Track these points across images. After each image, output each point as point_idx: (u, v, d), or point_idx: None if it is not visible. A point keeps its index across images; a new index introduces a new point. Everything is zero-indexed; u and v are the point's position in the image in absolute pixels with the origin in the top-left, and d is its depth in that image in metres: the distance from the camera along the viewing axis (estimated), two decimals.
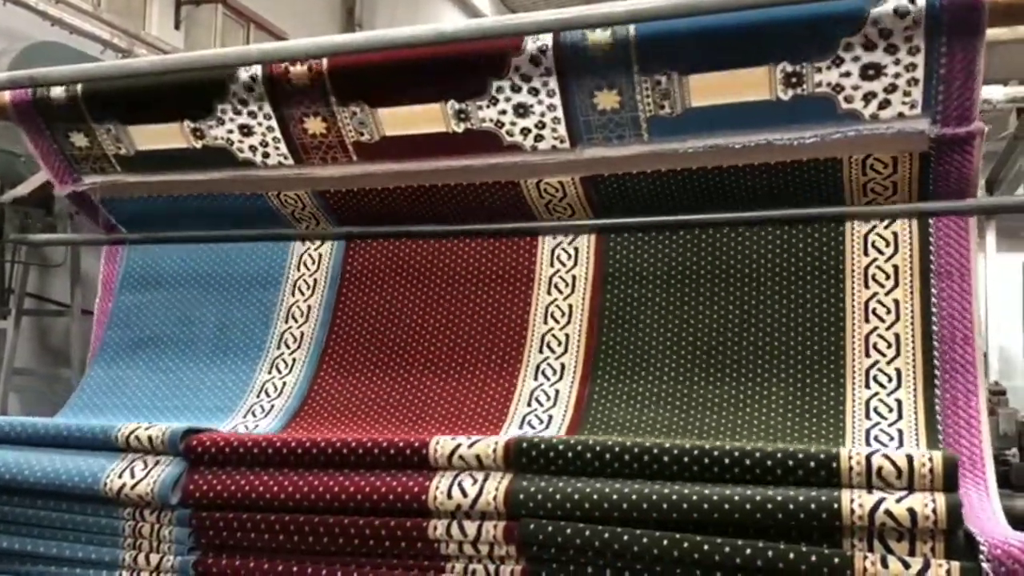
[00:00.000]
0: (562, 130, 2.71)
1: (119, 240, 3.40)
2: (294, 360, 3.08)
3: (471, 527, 2.19)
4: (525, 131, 2.74)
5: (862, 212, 2.68)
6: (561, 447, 2.18)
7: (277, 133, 2.93)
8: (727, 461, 2.06)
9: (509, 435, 2.40)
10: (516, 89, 2.67)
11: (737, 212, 2.78)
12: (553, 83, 2.64)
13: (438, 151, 2.85)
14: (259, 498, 2.34)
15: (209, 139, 3.00)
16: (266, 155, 2.99)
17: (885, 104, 2.45)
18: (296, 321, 3.14)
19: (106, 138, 3.10)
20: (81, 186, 3.27)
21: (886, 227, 2.65)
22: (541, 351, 2.87)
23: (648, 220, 2.86)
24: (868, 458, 1.97)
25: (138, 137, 3.09)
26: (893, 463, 1.95)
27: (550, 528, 2.11)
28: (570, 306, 2.89)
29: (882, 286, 2.61)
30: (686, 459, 2.08)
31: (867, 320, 2.59)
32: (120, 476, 2.45)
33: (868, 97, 2.45)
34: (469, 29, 2.59)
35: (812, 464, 2.00)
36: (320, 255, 3.19)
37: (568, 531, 2.09)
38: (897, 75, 2.41)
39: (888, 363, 2.54)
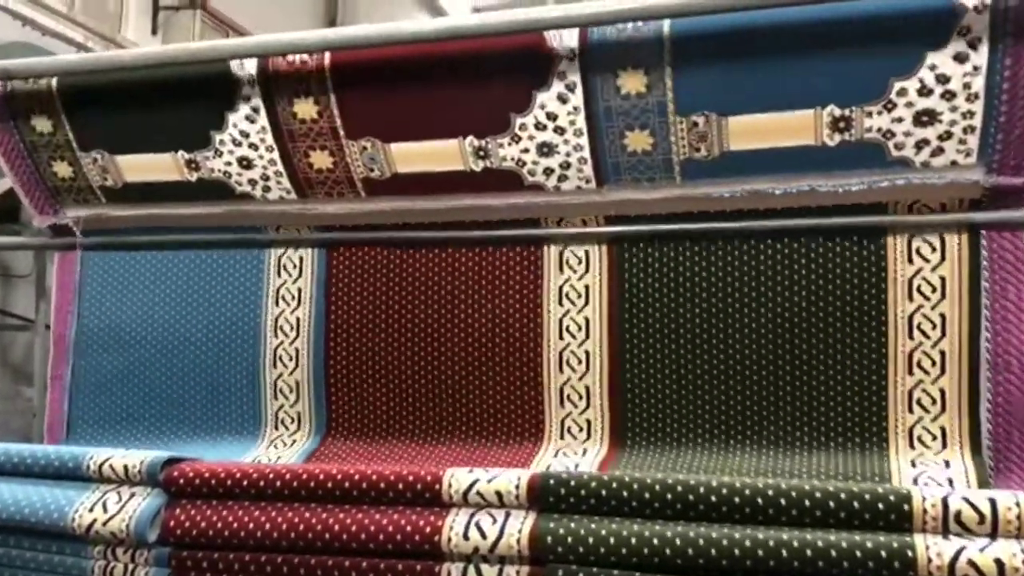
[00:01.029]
0: (588, 171, 2.57)
1: (73, 246, 3.13)
2: (294, 442, 2.92)
3: (490, 572, 1.96)
4: (548, 171, 2.59)
5: (904, 223, 2.51)
6: (594, 484, 1.97)
7: (279, 167, 2.77)
8: (783, 502, 1.85)
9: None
10: (541, 127, 2.53)
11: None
12: (581, 122, 2.50)
13: (454, 189, 2.70)
14: (249, 536, 2.10)
15: (205, 171, 2.82)
16: (267, 189, 2.82)
17: (938, 152, 2.33)
18: (288, 399, 2.98)
19: (92, 168, 2.92)
20: (63, 219, 3.07)
21: (933, 308, 2.50)
22: (562, 433, 2.74)
23: (668, 228, 2.68)
24: (944, 501, 1.78)
25: (127, 168, 2.91)
26: (974, 507, 1.76)
27: (581, 575, 1.89)
28: (586, 388, 2.75)
29: (930, 373, 2.49)
30: (736, 499, 1.87)
31: (912, 408, 2.48)
32: (91, 510, 2.20)
33: (920, 144, 2.33)
34: (488, 25, 2.45)
35: (881, 506, 1.80)
36: (298, 319, 2.99)
37: None
38: (953, 122, 2.29)
39: (935, 455, 2.41)
